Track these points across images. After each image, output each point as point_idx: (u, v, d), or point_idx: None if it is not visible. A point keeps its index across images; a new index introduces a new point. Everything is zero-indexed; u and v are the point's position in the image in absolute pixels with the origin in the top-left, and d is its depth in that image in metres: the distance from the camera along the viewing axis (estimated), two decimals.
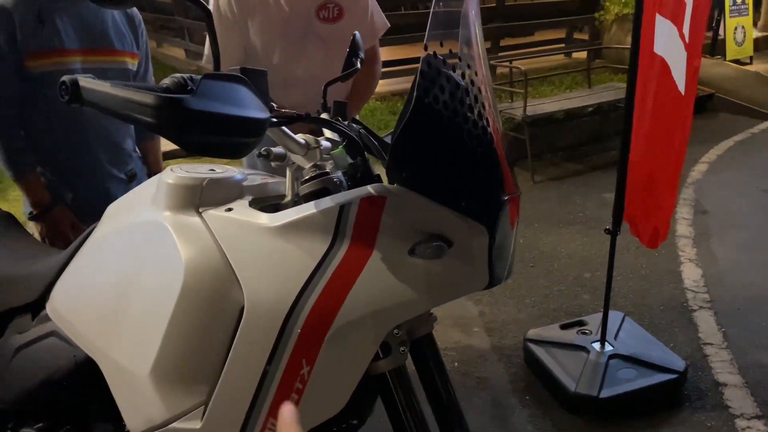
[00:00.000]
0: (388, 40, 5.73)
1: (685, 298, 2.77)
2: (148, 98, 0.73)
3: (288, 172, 1.12)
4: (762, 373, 2.26)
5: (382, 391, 1.03)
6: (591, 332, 2.36)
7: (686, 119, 1.53)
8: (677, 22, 1.51)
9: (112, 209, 1.21)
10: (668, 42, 1.56)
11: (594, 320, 2.41)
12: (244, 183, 1.08)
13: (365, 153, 1.05)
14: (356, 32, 1.34)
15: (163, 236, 0.99)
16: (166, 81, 0.82)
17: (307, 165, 1.06)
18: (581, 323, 2.43)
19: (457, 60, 0.93)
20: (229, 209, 1.00)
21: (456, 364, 2.36)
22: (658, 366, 2.15)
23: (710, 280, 2.90)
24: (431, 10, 0.92)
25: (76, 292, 1.14)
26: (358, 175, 1.03)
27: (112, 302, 1.04)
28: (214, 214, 0.99)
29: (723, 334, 2.49)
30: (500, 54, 6.09)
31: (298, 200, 1.07)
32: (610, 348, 2.25)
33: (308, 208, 0.93)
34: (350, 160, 1.07)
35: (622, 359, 2.20)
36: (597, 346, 2.26)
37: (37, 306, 1.24)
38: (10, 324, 1.27)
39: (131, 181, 1.92)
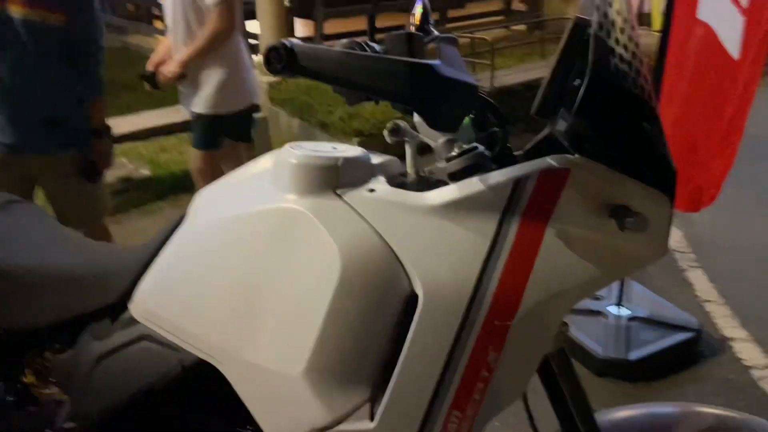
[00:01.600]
0: (341, 11, 5.63)
1: (674, 259, 2.89)
2: (397, 65, 0.65)
3: (408, 149, 1.05)
4: (763, 325, 2.39)
5: (543, 374, 1.00)
6: (603, 297, 2.41)
7: (747, 82, 1.56)
8: None
9: (205, 197, 1.09)
10: (715, 8, 1.58)
11: None
12: (372, 161, 1.00)
13: (505, 124, 1.00)
14: None
15: (305, 223, 0.90)
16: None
17: (440, 139, 0.99)
18: None
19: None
20: (372, 190, 0.92)
21: None
22: (675, 325, 2.24)
23: (693, 240, 3.04)
24: None
25: (179, 291, 1.02)
26: (497, 149, 0.98)
27: (241, 299, 0.94)
28: (359, 196, 0.91)
29: (718, 291, 2.62)
30: (447, 26, 6.08)
31: (432, 176, 1.01)
32: (627, 311, 2.32)
33: (474, 185, 0.87)
34: (473, 134, 1.01)
35: (640, 321, 2.27)
36: (614, 309, 2.33)
37: (116, 309, 1.11)
38: (84, 331, 1.13)
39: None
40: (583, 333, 2.23)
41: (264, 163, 1.04)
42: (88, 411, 1.11)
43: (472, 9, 7.65)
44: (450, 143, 0.97)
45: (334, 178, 0.92)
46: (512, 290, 0.84)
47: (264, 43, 5.08)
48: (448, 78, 0.69)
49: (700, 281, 2.69)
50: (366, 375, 0.88)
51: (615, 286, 2.36)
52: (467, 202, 0.87)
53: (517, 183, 0.85)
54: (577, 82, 0.95)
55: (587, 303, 2.39)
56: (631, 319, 2.27)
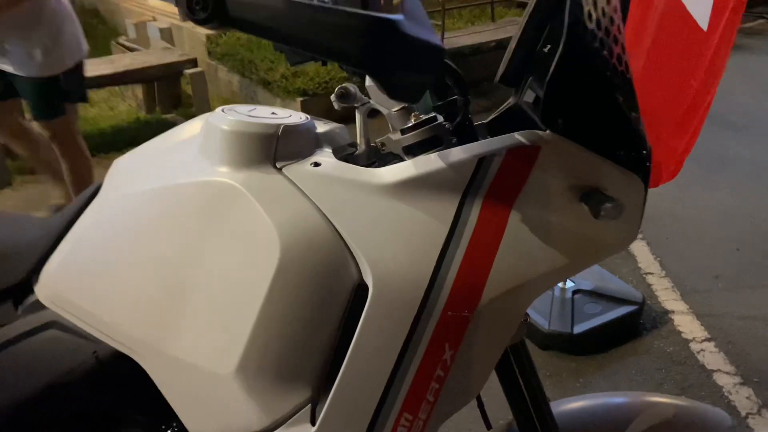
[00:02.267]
0: None
1: None
2: (352, 19, 0.53)
3: (358, 116, 0.94)
4: (701, 298, 2.43)
5: (500, 367, 0.93)
6: None
7: (715, 58, 1.50)
8: None
9: (123, 164, 0.95)
10: None
11: None
12: (317, 130, 0.88)
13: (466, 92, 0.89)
14: None
15: (238, 200, 0.78)
16: None
17: (395, 108, 0.89)
18: None
19: None
20: (317, 164, 0.81)
21: None
22: (619, 298, 2.24)
23: None
24: None
25: (92, 273, 0.89)
26: (458, 120, 0.88)
27: (164, 285, 0.82)
28: (301, 170, 0.80)
29: (659, 263, 2.64)
30: None
31: (383, 149, 0.91)
32: (572, 284, 2.30)
33: (433, 162, 0.77)
34: (430, 102, 0.91)
35: (585, 294, 2.25)
36: (559, 283, 2.30)
37: (20, 291, 0.97)
38: None
39: None
40: (530, 308, 2.19)
41: (192, 128, 0.91)
42: None
43: None
44: (406, 112, 0.87)
45: (273, 149, 0.81)
46: (473, 280, 0.76)
47: None
48: (413, 38, 0.58)
49: (642, 253, 2.71)
50: (307, 373, 0.78)
51: None
52: (425, 181, 0.77)
53: (481, 161, 0.76)
54: (547, 48, 0.86)
55: None
56: (576, 292, 2.26)
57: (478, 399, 1.03)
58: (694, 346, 2.16)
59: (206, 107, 3.93)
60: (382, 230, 0.76)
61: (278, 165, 0.80)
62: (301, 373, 0.78)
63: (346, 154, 0.92)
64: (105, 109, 4.32)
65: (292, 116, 0.86)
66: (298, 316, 0.77)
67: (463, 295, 0.75)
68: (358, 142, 0.94)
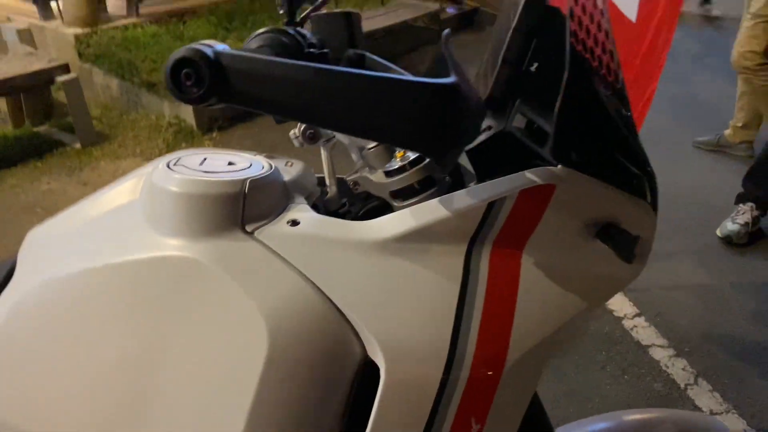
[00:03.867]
0: None
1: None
2: (410, 89, 0.41)
3: (324, 153, 0.82)
4: None
5: None
6: None
7: (649, 51, 1.48)
8: None
9: (41, 237, 0.77)
10: None
11: None
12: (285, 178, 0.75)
13: None
14: None
15: (204, 277, 0.65)
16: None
17: (370, 145, 0.77)
18: None
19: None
20: (295, 222, 0.68)
21: None
22: None
23: None
24: None
25: (15, 382, 0.71)
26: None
27: (119, 394, 0.67)
28: (278, 232, 0.67)
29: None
30: None
31: (355, 188, 0.79)
32: None
33: (436, 210, 0.67)
34: None
35: None
36: None
37: None
38: None
39: None
40: None
41: (127, 188, 0.75)
42: None
43: None
44: (386, 150, 0.76)
45: (241, 210, 0.67)
46: (495, 343, 0.66)
47: (67, 16, 4.29)
48: (469, 99, 0.47)
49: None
50: None
51: None
52: (428, 233, 0.66)
53: (491, 205, 0.66)
54: (534, 66, 0.77)
55: None
56: None
57: None
58: (627, 323, 2.22)
59: (85, 117, 3.56)
60: (386, 296, 0.65)
61: (248, 229, 0.66)
62: None
63: (323, 204, 0.80)
64: None
65: (252, 164, 0.72)
66: (297, 410, 0.65)
67: (486, 362, 0.66)
68: (327, 182, 0.81)
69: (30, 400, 0.69)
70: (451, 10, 5.72)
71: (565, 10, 0.69)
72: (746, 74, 3.00)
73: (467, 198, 0.66)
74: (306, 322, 0.63)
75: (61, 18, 4.39)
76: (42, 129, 3.77)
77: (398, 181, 0.72)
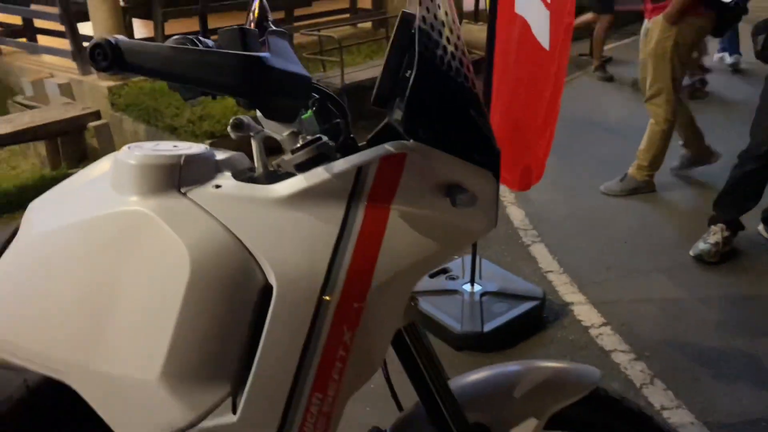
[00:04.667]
0: (182, 11, 5.42)
1: (519, 236, 3.12)
2: (227, 58, 0.66)
3: (254, 143, 1.06)
4: (596, 288, 2.67)
5: (398, 348, 1.05)
6: (458, 276, 2.56)
7: (558, 71, 1.73)
8: None
9: (38, 207, 1.03)
10: (528, 3, 1.74)
11: (456, 266, 2.62)
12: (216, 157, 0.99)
13: (346, 115, 1.04)
14: None
15: (149, 224, 0.88)
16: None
17: (284, 132, 1.02)
18: (446, 270, 2.63)
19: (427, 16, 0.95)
20: (218, 186, 0.92)
21: None
22: (522, 296, 2.43)
23: (533, 218, 3.30)
24: None
25: (16, 308, 0.95)
26: (341, 138, 1.01)
27: (86, 309, 0.90)
28: (204, 192, 0.91)
29: (558, 261, 2.87)
30: (295, 24, 6.09)
31: (279, 169, 1.03)
32: (479, 287, 2.47)
33: (320, 174, 0.90)
34: (317, 126, 1.05)
35: (492, 295, 2.43)
36: (467, 287, 2.47)
37: None
38: None
39: None
40: (442, 312, 2.35)
41: (102, 166, 1.00)
42: None
43: (318, 7, 7.69)
44: (294, 135, 0.99)
45: (177, 177, 0.91)
46: (362, 271, 0.88)
47: None
48: (278, 69, 0.71)
49: (542, 254, 2.94)
50: (225, 370, 0.88)
51: (468, 266, 2.51)
52: (314, 191, 0.89)
53: (360, 169, 0.89)
54: (408, 73, 1.01)
55: (444, 283, 2.52)
56: (483, 294, 2.43)
57: (389, 384, 1.15)
58: (593, 332, 2.38)
59: None
60: (281, 237, 0.88)
61: (183, 190, 0.90)
62: (220, 371, 0.87)
63: (245, 177, 1.03)
64: (6, 170, 4.22)
65: (193, 147, 0.97)
66: (212, 321, 0.87)
67: (355, 285, 0.87)
68: (256, 165, 1.06)
69: (29, 320, 0.93)
70: None
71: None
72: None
73: (342, 164, 0.90)
74: (220, 255, 0.86)
75: (98, 73, 4.85)
76: (76, 171, 4.14)
77: (298, 156, 0.96)
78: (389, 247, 0.90)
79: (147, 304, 0.87)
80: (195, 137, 3.90)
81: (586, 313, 2.49)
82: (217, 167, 0.97)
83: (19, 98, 4.66)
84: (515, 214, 3.37)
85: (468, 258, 2.53)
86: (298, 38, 5.57)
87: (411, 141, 0.91)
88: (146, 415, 0.89)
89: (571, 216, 3.30)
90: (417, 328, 1.06)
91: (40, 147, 4.12)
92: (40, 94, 4.81)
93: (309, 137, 0.98)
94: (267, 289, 0.88)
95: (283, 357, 0.87)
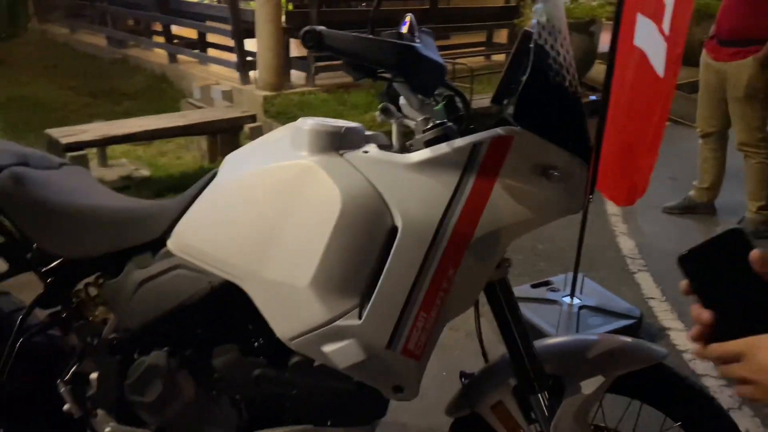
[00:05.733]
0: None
1: (626, 263, 3.23)
2: (392, 45, 0.97)
3: (394, 126, 1.36)
4: None
5: (490, 298, 1.29)
6: (559, 289, 2.73)
7: (667, 95, 1.90)
8: (656, 19, 1.88)
9: (232, 158, 1.38)
10: (647, 36, 1.93)
11: (558, 280, 2.80)
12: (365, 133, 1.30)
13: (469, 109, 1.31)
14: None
15: (314, 173, 1.19)
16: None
17: (419, 118, 1.30)
18: (548, 283, 2.81)
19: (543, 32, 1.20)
20: (366, 152, 1.22)
21: None
22: (619, 313, 2.56)
23: (642, 248, 3.38)
24: None
25: (211, 228, 1.29)
26: (463, 126, 1.28)
27: (262, 231, 1.21)
28: (355, 155, 1.21)
29: (661, 290, 2.95)
30: None
31: (411, 146, 1.31)
32: (578, 301, 2.63)
33: (443, 148, 1.17)
34: (445, 116, 1.31)
35: (589, 309, 2.58)
36: (567, 299, 2.64)
37: (156, 244, 1.38)
38: (129, 262, 1.41)
39: None
40: (541, 318, 2.54)
41: (282, 131, 1.34)
42: (130, 325, 1.39)
43: (456, 40, 8.11)
44: (426, 121, 1.28)
45: (338, 142, 1.22)
46: (468, 225, 1.14)
47: (261, 60, 5.40)
48: (424, 55, 1.01)
49: (646, 282, 3.03)
50: (356, 286, 1.17)
51: (569, 280, 2.68)
52: (437, 161, 1.17)
53: (475, 146, 1.15)
54: (523, 77, 1.26)
55: (545, 294, 2.70)
56: (581, 307, 2.59)
57: (479, 338, 1.39)
58: (686, 356, 2.45)
59: None
60: (409, 192, 1.16)
61: (341, 152, 1.22)
62: (352, 285, 1.16)
63: (385, 149, 1.34)
64: (173, 159, 4.89)
65: (350, 123, 1.29)
66: (351, 248, 1.16)
67: (461, 233, 1.14)
68: (394, 142, 1.35)
69: (220, 236, 1.28)
70: (593, 98, 6.16)
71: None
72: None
73: (461, 141, 1.17)
74: (363, 201, 1.16)
75: (256, 83, 5.49)
76: None
77: (428, 135, 1.24)
78: (491, 210, 1.15)
79: (306, 230, 1.19)
80: None
81: (682, 338, 2.56)
82: (366, 139, 1.28)
83: (190, 100, 5.38)
84: (625, 243, 3.47)
85: (570, 274, 2.69)
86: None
87: (518, 127, 1.15)
88: (295, 314, 1.20)
89: (679, 251, 3.33)
90: (508, 286, 1.29)
91: (203, 142, 4.75)
92: (206, 97, 5.52)
93: (437, 121, 1.27)
94: (393, 230, 1.16)
95: (400, 281, 1.15)
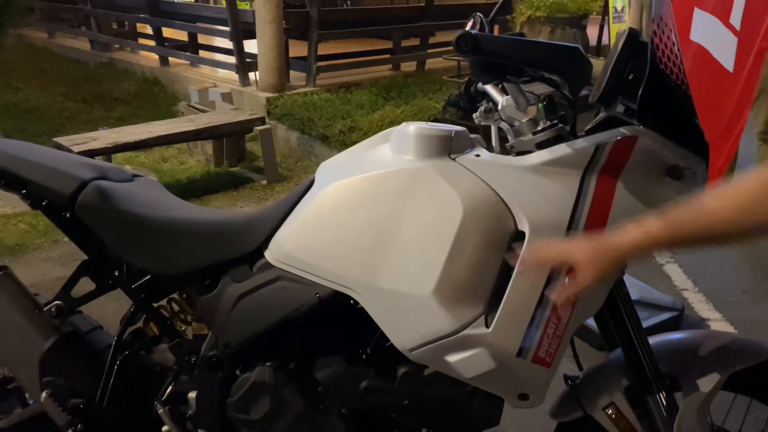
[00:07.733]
0: (332, 34, 5.95)
1: (653, 255, 3.26)
2: (556, 48, 0.96)
3: (493, 128, 1.34)
4: (732, 308, 2.76)
5: (607, 301, 1.28)
6: None
7: (743, 91, 1.90)
8: (720, 14, 1.90)
9: (328, 166, 1.34)
10: (707, 31, 1.95)
11: None
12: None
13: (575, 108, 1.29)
14: None
15: (429, 179, 1.17)
16: None
17: (524, 119, 1.29)
18: None
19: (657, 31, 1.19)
20: (478, 155, 1.20)
21: None
22: (662, 306, 2.58)
23: None
24: None
25: (316, 238, 1.24)
26: (570, 125, 1.26)
27: (375, 241, 1.17)
28: (468, 159, 1.19)
29: (692, 281, 2.99)
30: (429, 51, 6.48)
31: (513, 148, 1.29)
32: None
33: (563, 149, 1.16)
34: (545, 116, 1.29)
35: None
36: None
37: (253, 256, 1.34)
38: (224, 276, 1.36)
39: None
40: None
41: (380, 139, 1.30)
42: (230, 341, 1.34)
43: (442, 37, 8.12)
44: (532, 122, 1.27)
45: (449, 146, 1.20)
46: (597, 226, 1.13)
47: (262, 61, 5.33)
48: (586, 56, 1.00)
49: (676, 273, 3.06)
50: (482, 293, 1.15)
51: None
52: (557, 162, 1.15)
53: (598, 147, 1.14)
54: (631, 76, 1.24)
55: None
56: None
57: (572, 346, 1.36)
58: None
59: (272, 159, 4.40)
60: (531, 195, 1.14)
61: (452, 156, 1.19)
62: (478, 293, 1.15)
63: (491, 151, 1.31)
64: (176, 164, 4.81)
65: (454, 127, 1.26)
66: (475, 254, 1.14)
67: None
68: (494, 144, 1.33)
69: (327, 246, 1.24)
70: None
71: (647, 40, 1.17)
72: None
73: (583, 142, 1.15)
74: (484, 206, 1.14)
75: (256, 85, 5.42)
76: (236, 169, 4.67)
77: (541, 136, 1.22)
78: (617, 210, 1.14)
79: (425, 238, 1.16)
80: (345, 146, 4.31)
81: (723, 327, 2.60)
82: (472, 143, 1.26)
83: (189, 103, 5.29)
84: None
85: None
86: (441, 62, 5.94)
87: (641, 127, 1.14)
88: (417, 324, 1.17)
89: None
90: (624, 286, 1.29)
91: (207, 146, 4.68)
92: (205, 100, 5.43)
93: (549, 122, 1.25)
94: (516, 234, 1.14)
95: (530, 287, 1.13)
